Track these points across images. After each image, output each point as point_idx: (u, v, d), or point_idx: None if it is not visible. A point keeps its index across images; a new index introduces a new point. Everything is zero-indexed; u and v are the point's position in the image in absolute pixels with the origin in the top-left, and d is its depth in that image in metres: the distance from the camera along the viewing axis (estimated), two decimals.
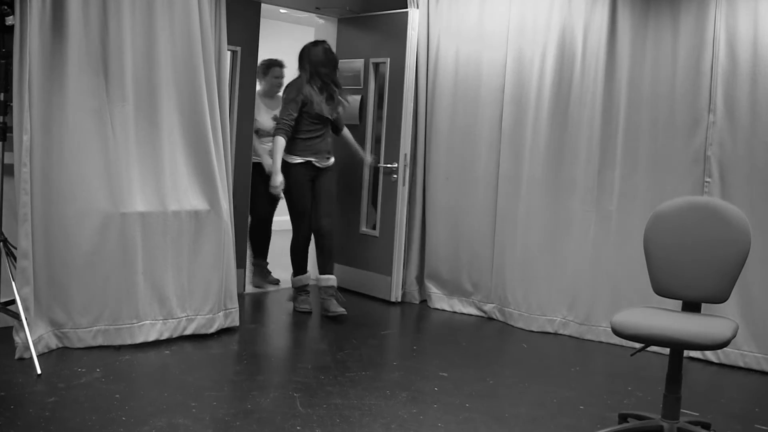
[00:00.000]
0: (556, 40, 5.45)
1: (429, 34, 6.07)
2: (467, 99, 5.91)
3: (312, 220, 5.52)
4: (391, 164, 6.05)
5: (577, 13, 5.37)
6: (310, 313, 5.59)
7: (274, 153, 5.39)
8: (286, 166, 5.39)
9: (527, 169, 5.58)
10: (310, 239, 5.62)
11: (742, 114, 4.79)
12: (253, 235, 6.36)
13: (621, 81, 5.21)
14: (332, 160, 5.59)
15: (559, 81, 5.44)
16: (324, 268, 5.57)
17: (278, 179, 5.34)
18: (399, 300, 6.04)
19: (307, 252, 5.68)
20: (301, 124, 5.41)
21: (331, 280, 5.55)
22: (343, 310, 5.45)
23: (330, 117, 5.49)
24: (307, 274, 5.65)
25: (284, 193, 5.48)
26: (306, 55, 5.54)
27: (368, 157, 6.10)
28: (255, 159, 6.06)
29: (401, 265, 6.06)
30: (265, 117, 6.16)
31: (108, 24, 4.41)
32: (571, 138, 5.40)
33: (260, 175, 5.99)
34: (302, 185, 5.45)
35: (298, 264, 5.69)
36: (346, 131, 5.90)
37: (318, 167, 5.48)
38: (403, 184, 6.00)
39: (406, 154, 5.96)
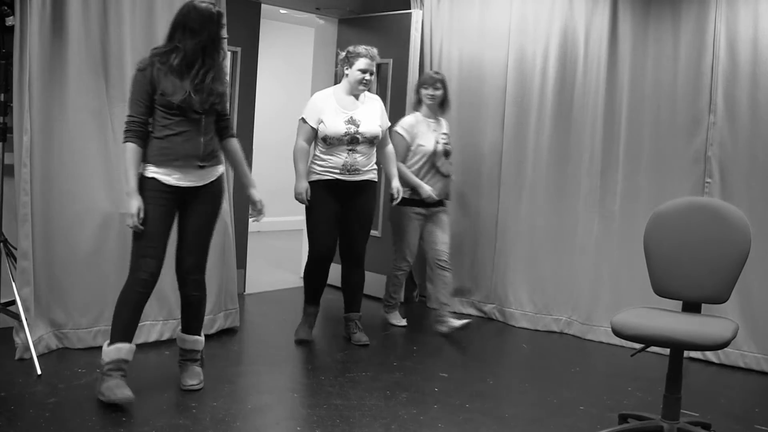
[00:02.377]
0: (557, 41, 5.46)
1: (432, 35, 6.08)
2: (469, 99, 5.92)
3: None
4: None
5: (579, 14, 5.39)
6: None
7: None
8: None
9: (530, 169, 5.58)
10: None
11: (742, 114, 4.80)
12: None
13: (622, 82, 5.21)
14: (212, 171, 3.81)
15: (561, 83, 5.46)
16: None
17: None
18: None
19: None
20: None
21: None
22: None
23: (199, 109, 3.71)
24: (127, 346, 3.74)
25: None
26: None
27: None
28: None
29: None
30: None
31: (108, 25, 4.41)
32: (574, 139, 5.41)
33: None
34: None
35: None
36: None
37: (176, 186, 3.71)
38: None
39: None
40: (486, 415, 3.76)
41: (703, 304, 3.51)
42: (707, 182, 4.91)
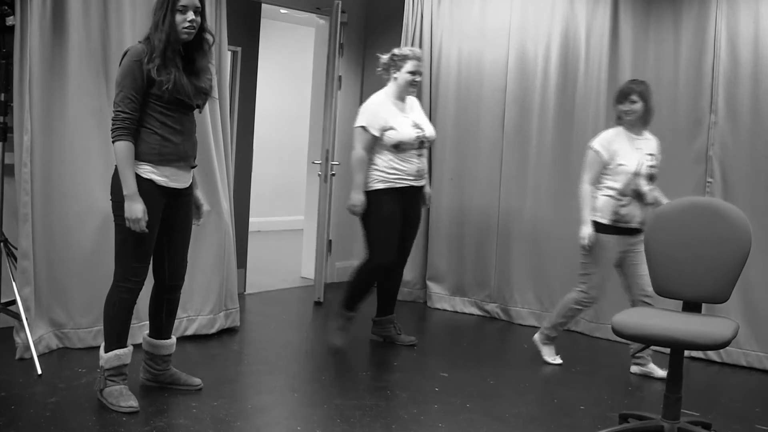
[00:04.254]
0: (558, 41, 5.47)
1: (432, 34, 6.07)
2: (469, 99, 5.92)
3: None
4: (317, 161, 6.05)
5: (580, 14, 5.40)
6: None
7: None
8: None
9: (532, 169, 5.59)
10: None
11: (743, 114, 4.80)
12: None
13: (624, 82, 5.20)
14: (191, 173, 3.71)
15: (563, 82, 5.47)
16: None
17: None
18: (320, 300, 5.91)
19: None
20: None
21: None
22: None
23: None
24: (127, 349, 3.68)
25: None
26: None
27: None
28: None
29: (324, 265, 5.98)
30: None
31: (109, 25, 4.41)
32: (576, 138, 5.41)
33: None
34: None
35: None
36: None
37: (166, 187, 3.55)
38: (325, 181, 5.93)
39: (327, 150, 5.90)
40: (487, 414, 3.76)
41: (704, 304, 3.51)
42: (708, 182, 4.91)
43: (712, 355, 4.90)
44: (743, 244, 3.39)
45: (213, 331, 4.85)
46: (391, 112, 4.61)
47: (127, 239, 3.48)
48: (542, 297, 5.61)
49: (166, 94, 3.41)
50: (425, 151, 4.73)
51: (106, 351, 3.59)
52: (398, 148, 4.57)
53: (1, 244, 4.19)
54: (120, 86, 3.41)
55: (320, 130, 6.08)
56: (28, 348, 4.02)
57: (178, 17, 3.41)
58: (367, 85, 6.78)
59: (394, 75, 4.69)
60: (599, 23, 5.30)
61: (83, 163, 4.35)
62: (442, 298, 6.08)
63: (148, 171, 3.46)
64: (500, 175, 5.77)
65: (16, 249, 4.16)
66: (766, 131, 4.72)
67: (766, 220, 4.66)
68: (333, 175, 5.98)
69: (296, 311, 5.64)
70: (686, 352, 3.61)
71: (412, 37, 6.10)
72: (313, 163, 6.22)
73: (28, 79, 4.10)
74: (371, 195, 4.61)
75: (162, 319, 3.84)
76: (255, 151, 6.22)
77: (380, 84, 6.65)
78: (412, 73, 4.64)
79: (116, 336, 3.60)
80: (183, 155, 3.55)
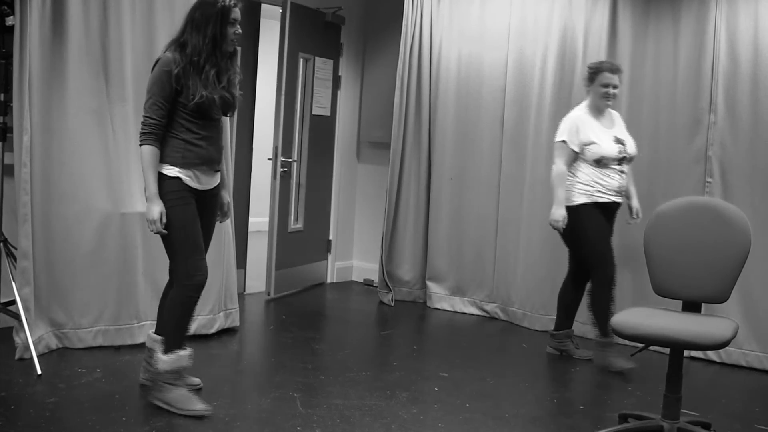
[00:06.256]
0: (557, 40, 5.47)
1: (431, 35, 6.07)
2: (469, 100, 5.92)
3: None
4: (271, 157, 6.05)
5: (578, 14, 5.39)
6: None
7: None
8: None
9: (530, 168, 5.59)
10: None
11: (743, 114, 4.80)
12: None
13: (622, 81, 5.20)
14: (218, 175, 3.74)
15: (560, 82, 5.46)
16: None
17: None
18: (271, 296, 5.94)
19: None
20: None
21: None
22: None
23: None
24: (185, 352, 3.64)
25: None
26: None
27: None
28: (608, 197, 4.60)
29: (274, 259, 5.95)
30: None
31: (108, 24, 4.41)
32: None
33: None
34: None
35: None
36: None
37: (194, 188, 3.60)
38: (274, 177, 5.95)
39: (277, 146, 5.91)
40: (486, 414, 3.76)
41: (703, 303, 3.51)
42: (708, 182, 4.91)
43: (711, 355, 4.90)
44: (743, 244, 3.39)
45: (212, 331, 4.85)
46: (591, 126, 4.58)
47: (176, 239, 3.53)
48: (535, 298, 5.59)
49: (191, 104, 3.46)
50: (627, 167, 4.64)
51: (167, 352, 3.56)
52: (600, 162, 4.54)
53: (1, 244, 4.19)
54: (150, 93, 3.49)
55: (291, 127, 6.07)
56: (27, 348, 4.02)
57: (229, 30, 3.51)
58: (367, 85, 6.79)
59: (588, 88, 4.67)
60: (598, 24, 5.30)
61: (83, 163, 4.35)
62: (441, 298, 6.08)
63: (174, 171, 3.52)
64: (499, 175, 5.77)
65: (15, 249, 4.16)
66: (766, 131, 4.73)
67: (765, 220, 4.67)
68: (284, 171, 5.98)
69: (295, 311, 5.63)
70: (686, 352, 3.61)
71: (412, 38, 6.10)
72: (268, 159, 6.16)
73: (28, 79, 4.09)
74: (574, 209, 4.56)
75: None
76: (254, 151, 6.21)
77: (381, 84, 6.68)
78: (605, 86, 4.59)
79: (181, 337, 3.62)
80: (207, 159, 3.59)
